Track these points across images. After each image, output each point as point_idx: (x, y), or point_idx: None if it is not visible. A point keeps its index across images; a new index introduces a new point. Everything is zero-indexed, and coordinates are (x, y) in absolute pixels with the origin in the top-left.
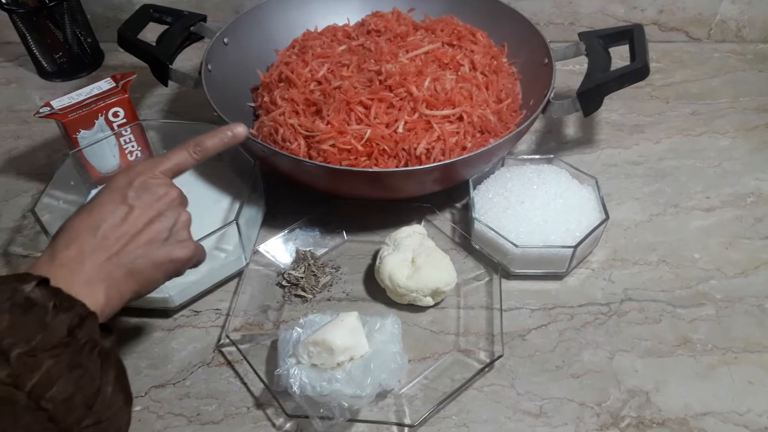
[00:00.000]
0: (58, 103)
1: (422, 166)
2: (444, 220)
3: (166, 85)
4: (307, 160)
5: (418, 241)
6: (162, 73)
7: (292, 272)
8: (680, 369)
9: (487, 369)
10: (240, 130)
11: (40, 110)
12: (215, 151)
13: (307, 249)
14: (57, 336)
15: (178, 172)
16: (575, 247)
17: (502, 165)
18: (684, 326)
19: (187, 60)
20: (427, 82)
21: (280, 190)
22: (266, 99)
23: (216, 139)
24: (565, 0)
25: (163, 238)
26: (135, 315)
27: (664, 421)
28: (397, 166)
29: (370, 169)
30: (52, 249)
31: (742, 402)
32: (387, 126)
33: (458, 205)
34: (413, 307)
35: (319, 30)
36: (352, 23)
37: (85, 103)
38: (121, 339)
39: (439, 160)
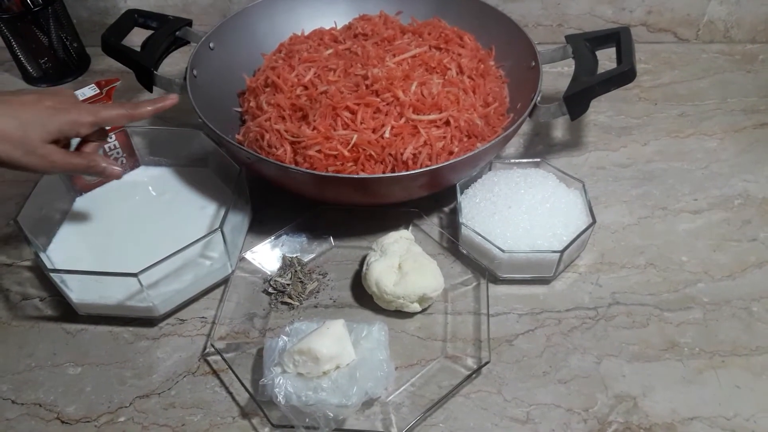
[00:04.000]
0: None
1: (409, 172)
2: (431, 224)
3: (150, 91)
4: (292, 166)
5: (405, 247)
6: (146, 79)
7: (279, 279)
8: (667, 373)
9: (474, 375)
10: (171, 100)
11: None
12: (147, 117)
13: (294, 255)
14: None
15: (105, 123)
16: (562, 251)
17: (490, 169)
18: (671, 330)
19: (174, 64)
20: (414, 86)
21: (267, 196)
22: (252, 104)
23: (151, 108)
24: (554, 1)
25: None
26: (119, 324)
27: (651, 427)
28: (383, 172)
29: (356, 176)
30: None
31: (729, 406)
32: (374, 131)
33: (446, 209)
34: (400, 314)
35: (306, 34)
36: (339, 26)
37: None
38: (106, 349)
39: (426, 166)
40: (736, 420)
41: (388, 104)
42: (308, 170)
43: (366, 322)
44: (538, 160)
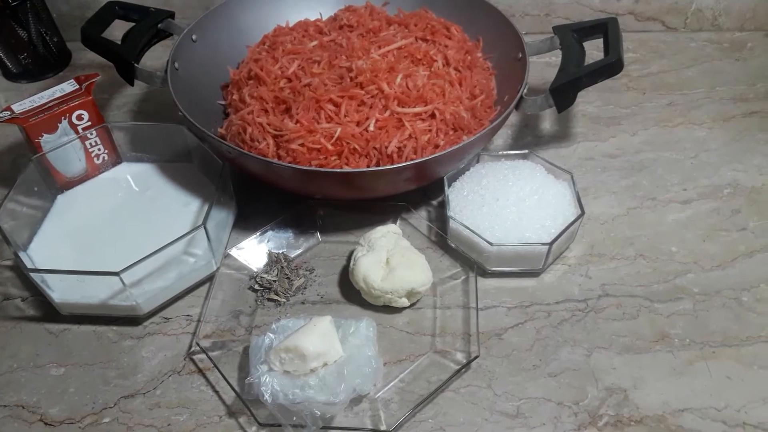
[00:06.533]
0: (19, 107)
1: (393, 166)
2: (419, 218)
3: (132, 84)
4: (274, 161)
5: (392, 241)
6: (127, 72)
7: (265, 276)
8: (658, 365)
9: (463, 370)
10: None
11: (0, 115)
12: None
13: (280, 251)
14: None
15: None
16: (551, 244)
17: (478, 161)
18: (661, 321)
19: (156, 58)
20: (399, 78)
21: (252, 191)
22: (235, 97)
23: None
24: None
25: None
26: (103, 323)
27: (642, 419)
28: (368, 166)
29: (340, 170)
30: None
31: (720, 397)
32: (358, 124)
33: (434, 202)
34: (389, 309)
35: (290, 25)
36: (324, 18)
37: (47, 106)
38: (89, 348)
39: (411, 159)
40: (727, 411)
41: (372, 97)
42: (290, 164)
43: (354, 318)
44: (526, 151)
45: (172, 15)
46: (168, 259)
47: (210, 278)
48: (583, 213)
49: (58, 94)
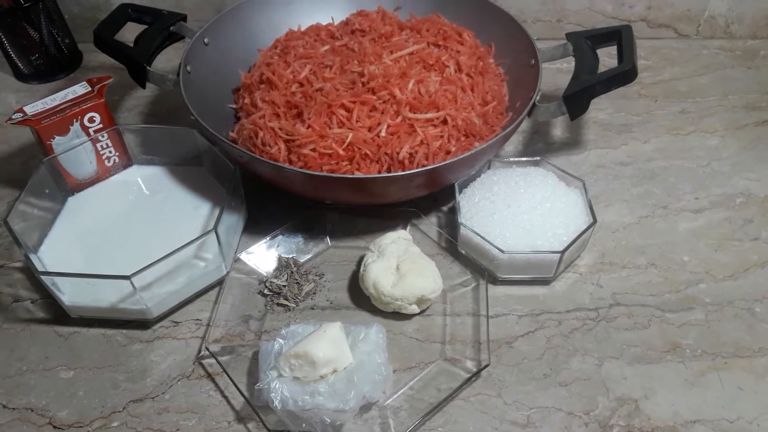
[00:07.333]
0: (31, 109)
1: (404, 172)
2: (430, 224)
3: (143, 87)
4: (286, 165)
5: (402, 247)
6: (139, 74)
7: (275, 280)
8: (669, 375)
9: (473, 378)
10: None
11: (13, 116)
12: None
13: (290, 256)
14: None
15: None
16: (562, 252)
17: (489, 168)
18: (673, 331)
19: (168, 61)
20: (411, 84)
21: (262, 195)
22: (247, 101)
23: None
24: None
25: None
26: (112, 327)
27: (653, 430)
28: (379, 171)
29: (351, 176)
30: None
31: (732, 409)
32: (369, 130)
33: (444, 208)
34: (399, 315)
35: (302, 29)
36: (336, 22)
37: (59, 108)
38: (98, 352)
39: (423, 165)
40: (739, 423)
41: (384, 102)
42: (302, 170)
43: (363, 325)
44: (538, 158)
45: (184, 18)
46: (178, 263)
47: (220, 282)
48: (595, 221)
49: (71, 96)
